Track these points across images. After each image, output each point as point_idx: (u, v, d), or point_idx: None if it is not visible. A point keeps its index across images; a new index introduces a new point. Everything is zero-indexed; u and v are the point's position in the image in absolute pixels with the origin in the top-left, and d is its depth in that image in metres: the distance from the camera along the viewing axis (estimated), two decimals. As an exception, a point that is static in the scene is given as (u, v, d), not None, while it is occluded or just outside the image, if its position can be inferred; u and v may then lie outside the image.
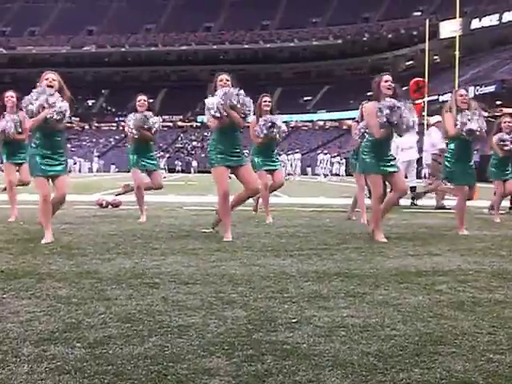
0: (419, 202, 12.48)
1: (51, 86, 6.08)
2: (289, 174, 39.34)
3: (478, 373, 2.38)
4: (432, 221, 9.12)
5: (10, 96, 8.11)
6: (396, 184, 6.65)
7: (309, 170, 53.12)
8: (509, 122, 9.62)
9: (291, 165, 44.82)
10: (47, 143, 6.13)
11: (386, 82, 6.55)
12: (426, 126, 42.51)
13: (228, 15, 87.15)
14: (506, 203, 10.88)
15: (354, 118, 9.32)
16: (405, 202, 12.39)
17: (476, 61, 63.32)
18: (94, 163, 58.63)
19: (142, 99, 8.51)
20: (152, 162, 8.62)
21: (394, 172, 6.61)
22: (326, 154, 46.97)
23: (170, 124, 78.94)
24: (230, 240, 6.29)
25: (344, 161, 44.92)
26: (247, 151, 7.16)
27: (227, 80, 6.56)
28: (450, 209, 10.67)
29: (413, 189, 13.06)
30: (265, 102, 8.54)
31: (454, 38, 40.10)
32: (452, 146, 7.32)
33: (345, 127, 64.35)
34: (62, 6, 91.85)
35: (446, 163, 7.37)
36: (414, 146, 13.02)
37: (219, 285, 3.99)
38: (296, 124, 75.21)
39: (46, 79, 6.12)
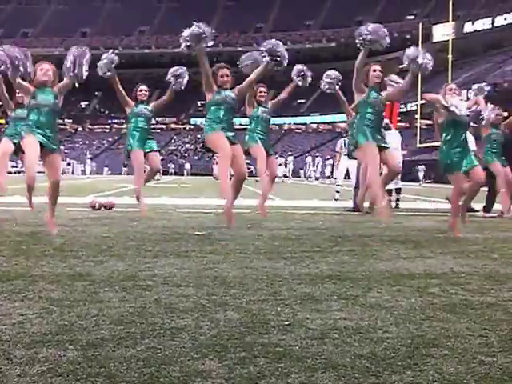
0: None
1: (47, 76, 6.10)
2: (285, 176, 39.39)
3: (469, 375, 2.39)
4: (424, 223, 9.15)
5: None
6: (388, 160, 6.78)
7: (302, 172, 53.26)
8: (498, 115, 9.97)
9: (286, 166, 44.92)
10: (37, 121, 6.13)
11: (375, 71, 6.69)
12: (418, 129, 42.71)
13: (222, 18, 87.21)
14: (497, 206, 10.91)
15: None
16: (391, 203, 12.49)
17: (469, 64, 63.60)
18: (87, 165, 58.28)
19: (143, 89, 8.63)
20: (151, 143, 8.72)
21: (386, 148, 6.72)
22: (317, 156, 47.11)
23: (164, 126, 78.88)
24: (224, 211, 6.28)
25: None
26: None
27: (227, 76, 6.65)
28: (478, 211, 10.79)
29: (398, 190, 13.15)
30: (260, 92, 8.62)
31: (447, 41, 40.34)
32: (446, 135, 7.26)
33: (338, 130, 64.54)
34: (55, 7, 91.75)
35: (441, 154, 7.33)
36: (398, 147, 13.05)
37: (212, 287, 3.99)
38: (289, 127, 75.33)
39: (41, 69, 6.13)
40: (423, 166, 40.28)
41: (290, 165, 46.46)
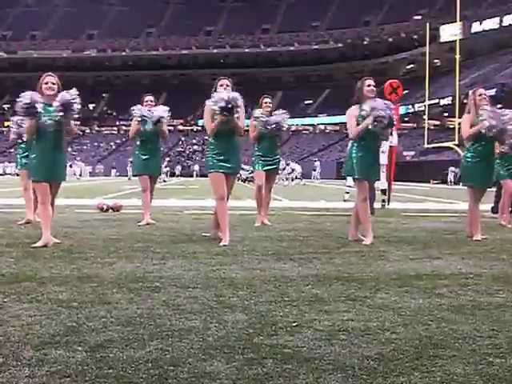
0: None
1: (52, 90, 6.09)
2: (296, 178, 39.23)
3: (478, 376, 2.38)
4: (432, 224, 9.12)
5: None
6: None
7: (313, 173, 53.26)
8: None
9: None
10: (43, 144, 6.13)
11: (369, 86, 6.70)
12: (426, 130, 42.58)
13: (228, 19, 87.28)
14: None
15: None
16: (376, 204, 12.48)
17: (476, 64, 63.40)
18: (77, 167, 56.26)
19: (149, 99, 8.55)
20: (154, 165, 8.65)
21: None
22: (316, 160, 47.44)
23: (171, 128, 78.86)
24: (227, 244, 6.27)
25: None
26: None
27: (227, 85, 6.59)
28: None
29: (384, 191, 13.13)
30: (265, 103, 8.60)
31: (455, 41, 40.15)
32: (472, 146, 7.20)
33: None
34: (62, 10, 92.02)
35: (464, 163, 7.28)
36: (385, 151, 12.87)
37: (220, 289, 4.00)
38: (297, 128, 75.32)
39: (46, 83, 6.12)
40: (453, 167, 39.64)
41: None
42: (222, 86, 6.58)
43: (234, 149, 6.66)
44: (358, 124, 6.66)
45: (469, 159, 7.22)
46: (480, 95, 7.16)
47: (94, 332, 2.93)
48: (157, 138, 8.61)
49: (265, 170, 8.74)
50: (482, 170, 7.16)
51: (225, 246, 6.21)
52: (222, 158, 6.55)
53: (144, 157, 8.51)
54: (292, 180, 35.86)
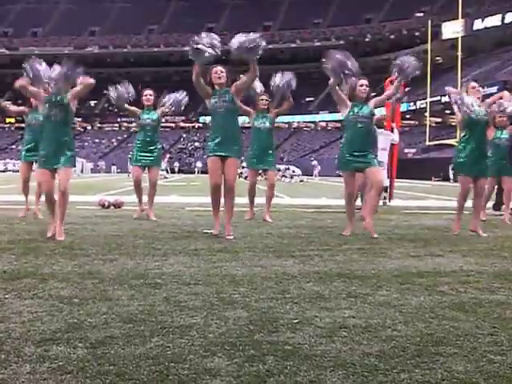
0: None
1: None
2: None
3: (479, 374, 2.38)
4: (433, 222, 9.12)
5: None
6: (370, 178, 6.92)
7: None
8: (503, 117, 9.22)
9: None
10: (50, 136, 6.18)
11: (361, 86, 6.83)
12: (427, 127, 42.62)
13: (230, 16, 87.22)
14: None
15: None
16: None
17: (478, 62, 63.34)
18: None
19: (148, 93, 8.58)
20: (150, 157, 8.63)
21: (368, 167, 6.83)
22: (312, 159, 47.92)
23: (172, 125, 78.94)
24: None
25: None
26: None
27: (221, 71, 6.61)
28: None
29: (385, 188, 13.10)
30: (262, 100, 8.61)
31: (457, 38, 40.15)
32: (464, 135, 7.29)
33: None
34: (64, 6, 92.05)
35: (457, 152, 7.35)
36: (386, 148, 12.76)
37: (221, 285, 4.00)
38: (298, 125, 75.30)
39: None
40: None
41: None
42: (215, 73, 6.60)
43: (230, 131, 6.57)
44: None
45: (461, 148, 7.29)
46: (473, 88, 7.27)
47: (95, 328, 2.93)
48: (154, 130, 8.65)
49: (262, 169, 8.83)
50: (476, 158, 7.20)
51: (228, 239, 6.27)
52: (217, 141, 6.51)
53: (141, 149, 8.56)
54: (292, 178, 36.24)
